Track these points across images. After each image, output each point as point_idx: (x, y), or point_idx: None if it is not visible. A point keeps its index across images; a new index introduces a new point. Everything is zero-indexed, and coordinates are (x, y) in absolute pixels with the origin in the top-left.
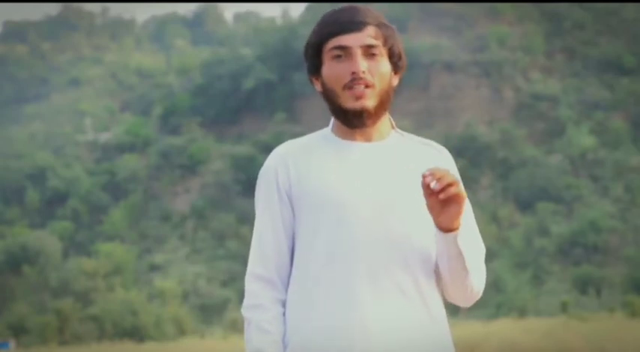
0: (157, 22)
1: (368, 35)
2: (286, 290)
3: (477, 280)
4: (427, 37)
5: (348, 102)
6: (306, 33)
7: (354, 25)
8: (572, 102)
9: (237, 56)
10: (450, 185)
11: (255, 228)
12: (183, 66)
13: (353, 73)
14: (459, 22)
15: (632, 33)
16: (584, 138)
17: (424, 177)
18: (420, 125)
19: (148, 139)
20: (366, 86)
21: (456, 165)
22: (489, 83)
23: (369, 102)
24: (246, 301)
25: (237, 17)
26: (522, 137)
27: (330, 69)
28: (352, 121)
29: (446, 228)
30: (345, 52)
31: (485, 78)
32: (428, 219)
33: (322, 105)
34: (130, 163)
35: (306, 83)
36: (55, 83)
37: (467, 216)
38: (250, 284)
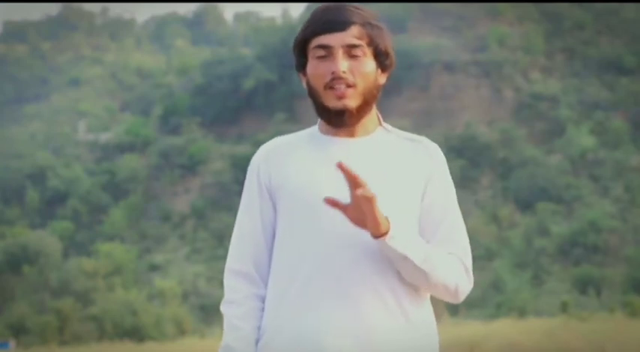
0: (156, 22)
1: (351, 35)
2: (266, 285)
3: (448, 278)
4: (427, 37)
5: (330, 102)
6: None
7: (338, 25)
8: (572, 102)
9: (237, 56)
10: (355, 184)
11: (235, 223)
12: (183, 66)
13: (333, 72)
14: (459, 22)
15: (632, 33)
16: (584, 138)
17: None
18: (420, 125)
19: (148, 139)
20: (348, 86)
21: (456, 165)
22: (489, 83)
23: (351, 102)
24: (224, 297)
25: (237, 17)
26: (522, 137)
27: (313, 68)
28: (333, 120)
29: (373, 233)
30: (327, 51)
31: (485, 78)
32: (408, 216)
33: None
34: (130, 163)
35: None
36: (55, 83)
37: (446, 210)
38: (227, 280)
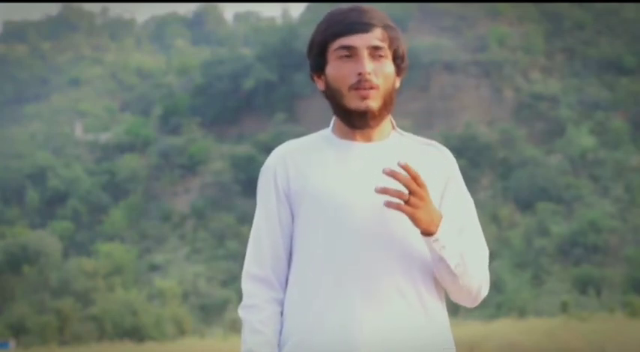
0: (156, 22)
1: (375, 37)
2: (284, 290)
3: (473, 282)
4: (427, 37)
5: (353, 103)
6: (306, 33)
7: (362, 26)
8: (572, 102)
9: (237, 56)
10: (414, 183)
11: (252, 227)
12: (183, 66)
13: (359, 73)
14: (459, 22)
15: (632, 33)
16: (584, 138)
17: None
18: (420, 125)
19: (148, 139)
20: (371, 87)
21: None
22: (489, 83)
23: (374, 103)
24: (242, 301)
25: (237, 17)
26: (522, 137)
27: (336, 69)
28: (355, 122)
29: (423, 230)
30: (351, 52)
31: (485, 78)
32: None
33: (322, 106)
34: (130, 163)
35: (306, 83)
36: (55, 83)
37: (467, 217)
38: (246, 284)
